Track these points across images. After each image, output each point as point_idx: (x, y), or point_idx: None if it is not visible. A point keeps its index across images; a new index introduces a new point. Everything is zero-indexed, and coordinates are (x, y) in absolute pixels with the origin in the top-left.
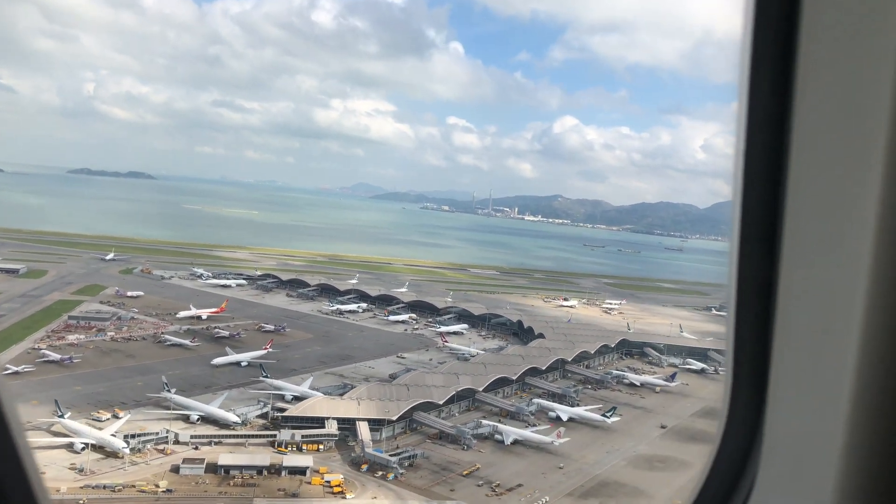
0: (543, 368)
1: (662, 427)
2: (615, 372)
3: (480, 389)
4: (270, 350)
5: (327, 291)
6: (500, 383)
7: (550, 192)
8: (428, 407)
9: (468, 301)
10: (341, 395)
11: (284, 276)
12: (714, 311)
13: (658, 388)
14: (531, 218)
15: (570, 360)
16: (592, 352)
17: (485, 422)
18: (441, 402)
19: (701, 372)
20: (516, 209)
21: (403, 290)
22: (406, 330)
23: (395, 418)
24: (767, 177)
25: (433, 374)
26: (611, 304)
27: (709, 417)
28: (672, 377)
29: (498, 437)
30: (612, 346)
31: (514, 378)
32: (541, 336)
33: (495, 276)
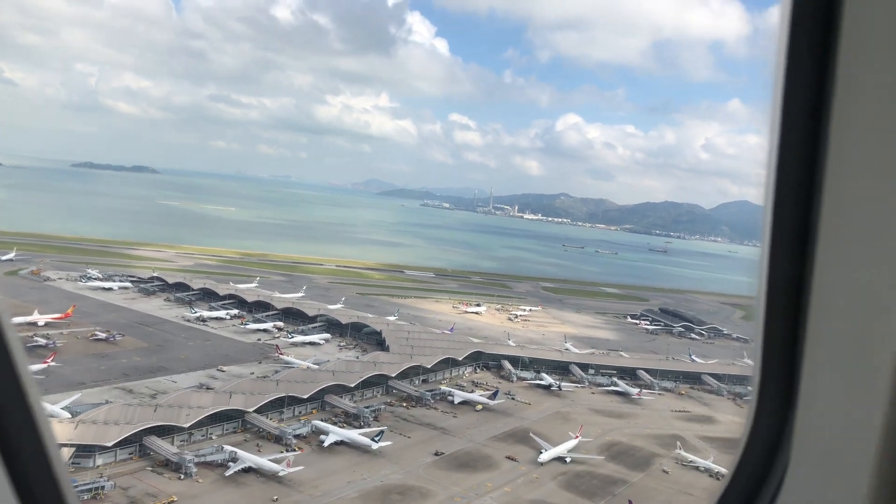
0: (351, 385)
1: (437, 454)
2: (443, 388)
3: (251, 410)
4: (51, 364)
5: (209, 296)
6: (290, 402)
7: (557, 190)
8: (172, 430)
9: (368, 306)
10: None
11: (190, 278)
12: (629, 319)
13: (479, 407)
14: (530, 216)
15: (394, 375)
16: (429, 366)
17: (227, 447)
18: (187, 426)
19: (548, 388)
20: (516, 207)
21: (299, 295)
22: (259, 340)
23: (110, 444)
24: (801, 175)
25: (202, 392)
26: (524, 309)
27: (510, 440)
28: (494, 395)
29: (232, 464)
30: (461, 358)
31: (306, 397)
32: (385, 348)
33: (429, 278)
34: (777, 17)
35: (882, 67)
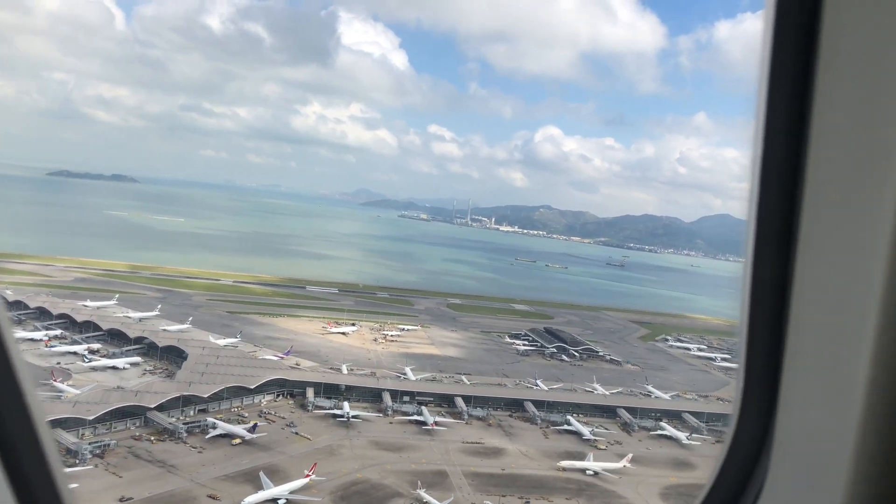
0: (89, 418)
1: (122, 499)
2: (209, 420)
3: None
4: None
5: (44, 314)
6: None
7: (540, 202)
8: None
9: (226, 326)
10: None
11: (39, 293)
12: (506, 339)
13: (236, 441)
14: (507, 228)
15: (154, 405)
16: (205, 395)
17: None
18: None
19: (339, 418)
20: (493, 219)
21: (153, 313)
22: (59, 363)
23: None
24: (784, 176)
25: None
26: (400, 329)
27: (241, 479)
28: (253, 428)
29: None
30: (253, 387)
31: None
32: (171, 374)
33: (329, 294)
34: (761, 28)
35: (857, 79)
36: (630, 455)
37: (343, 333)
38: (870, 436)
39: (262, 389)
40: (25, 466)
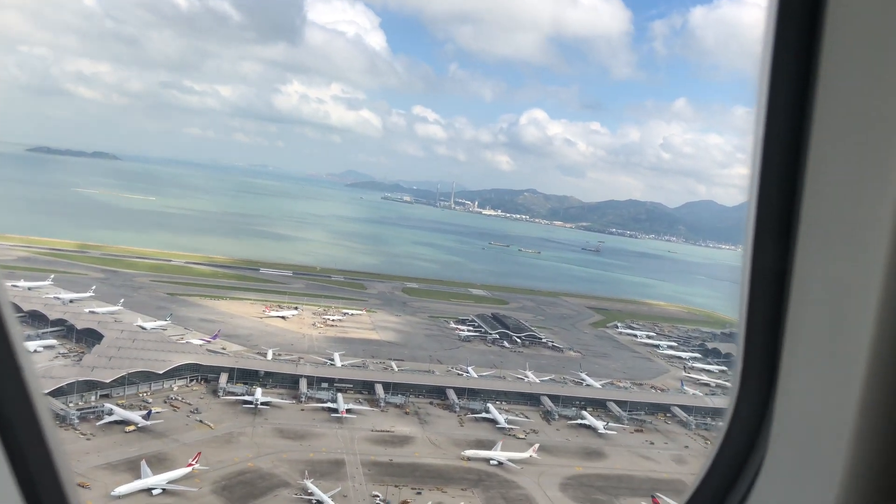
0: None
1: None
2: (107, 406)
3: None
4: None
5: None
6: None
7: (526, 186)
8: None
9: (161, 308)
10: None
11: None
12: (451, 324)
13: (130, 427)
14: (490, 212)
15: (49, 390)
16: (108, 380)
17: None
18: None
19: (248, 404)
20: (476, 203)
21: (86, 294)
22: None
23: None
24: (785, 169)
25: None
26: (343, 313)
27: (123, 468)
28: (147, 414)
29: None
30: (161, 372)
31: None
32: (78, 358)
33: (282, 277)
34: (763, 15)
35: (861, 71)
36: (537, 444)
37: (282, 317)
38: (868, 427)
39: (173, 374)
40: (31, 464)
